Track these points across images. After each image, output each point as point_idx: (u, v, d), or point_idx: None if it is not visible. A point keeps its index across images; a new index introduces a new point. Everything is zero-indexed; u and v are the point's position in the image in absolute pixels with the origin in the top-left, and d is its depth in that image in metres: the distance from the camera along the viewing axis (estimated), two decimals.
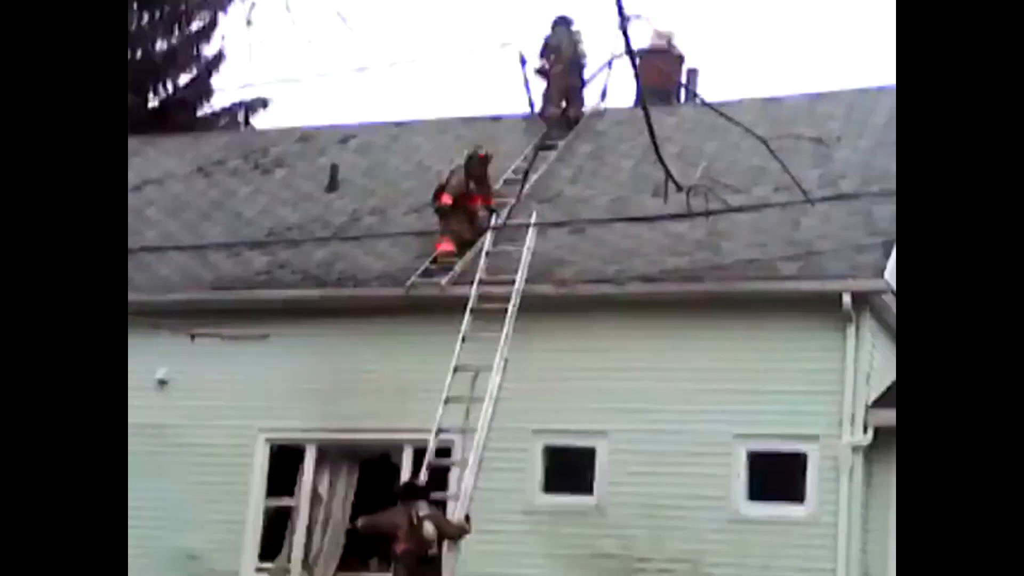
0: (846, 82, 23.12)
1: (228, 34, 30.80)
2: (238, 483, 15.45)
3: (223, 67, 30.23)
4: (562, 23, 18.39)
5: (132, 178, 19.27)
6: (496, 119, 18.90)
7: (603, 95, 18.63)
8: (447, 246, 15.37)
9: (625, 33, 4.58)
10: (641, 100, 16.95)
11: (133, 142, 22.06)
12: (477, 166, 15.77)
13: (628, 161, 16.69)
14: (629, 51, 4.71)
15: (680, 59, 19.78)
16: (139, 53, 29.60)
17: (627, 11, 4.54)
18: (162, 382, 15.81)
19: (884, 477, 13.28)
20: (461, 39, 43.96)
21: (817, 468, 13.35)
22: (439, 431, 13.52)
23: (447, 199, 15.54)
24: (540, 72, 18.46)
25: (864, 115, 16.78)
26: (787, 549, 13.21)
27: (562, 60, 18.18)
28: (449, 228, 15.53)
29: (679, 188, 5.84)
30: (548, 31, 18.51)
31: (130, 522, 15.50)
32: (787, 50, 58.26)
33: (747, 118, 14.09)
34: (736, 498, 13.55)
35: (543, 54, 18.49)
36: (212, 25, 30.10)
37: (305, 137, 19.88)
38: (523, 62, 18.50)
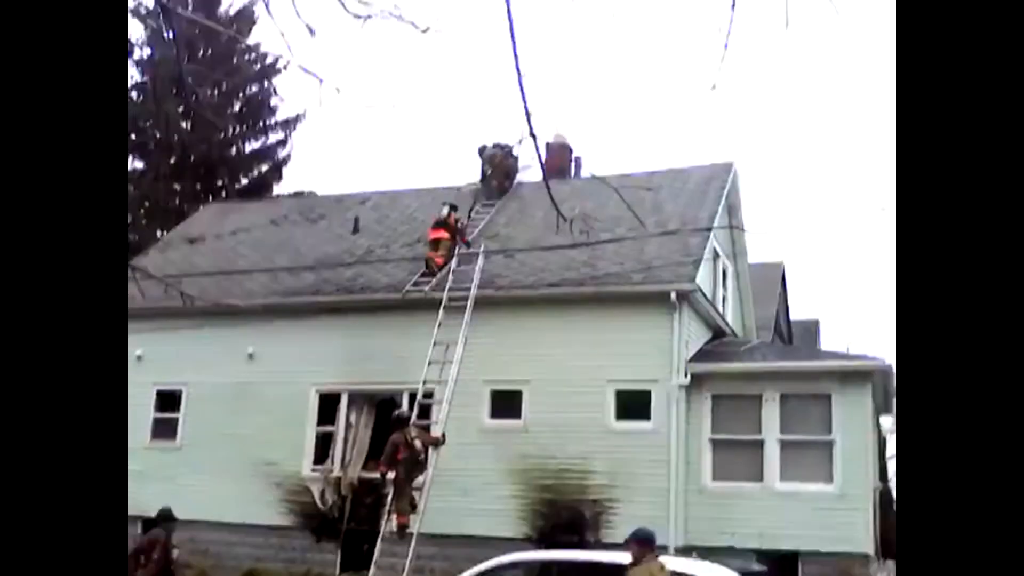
0: (670, 163, 22.78)
1: (294, 142, 29.78)
2: (299, 417, 14.64)
3: (289, 162, 28.89)
4: (497, 146, 17.76)
5: (229, 227, 18.67)
6: (458, 188, 17.71)
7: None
8: (439, 260, 14.76)
9: (534, 138, 4.34)
10: (544, 176, 16.86)
11: (232, 206, 21.48)
12: (449, 216, 15.25)
13: (540, 213, 16.09)
14: (536, 149, 4.47)
15: (570, 149, 19.51)
16: (234, 151, 28.36)
17: (535, 124, 4.30)
18: (251, 355, 15.08)
19: (697, 404, 13.03)
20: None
21: (657, 399, 12.88)
22: (425, 382, 12.96)
23: (437, 233, 15.07)
24: (487, 163, 17.88)
25: (681, 183, 16.27)
26: (640, 450, 12.79)
27: (498, 157, 17.59)
28: (437, 250, 14.89)
29: (565, 219, 5.49)
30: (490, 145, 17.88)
31: (232, 445, 15.02)
32: (637, 138, 58.49)
33: (609, 188, 14.03)
34: (608, 419, 13.03)
35: (487, 153, 17.91)
36: (289, 129, 28.79)
37: (338, 200, 18.96)
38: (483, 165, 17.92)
